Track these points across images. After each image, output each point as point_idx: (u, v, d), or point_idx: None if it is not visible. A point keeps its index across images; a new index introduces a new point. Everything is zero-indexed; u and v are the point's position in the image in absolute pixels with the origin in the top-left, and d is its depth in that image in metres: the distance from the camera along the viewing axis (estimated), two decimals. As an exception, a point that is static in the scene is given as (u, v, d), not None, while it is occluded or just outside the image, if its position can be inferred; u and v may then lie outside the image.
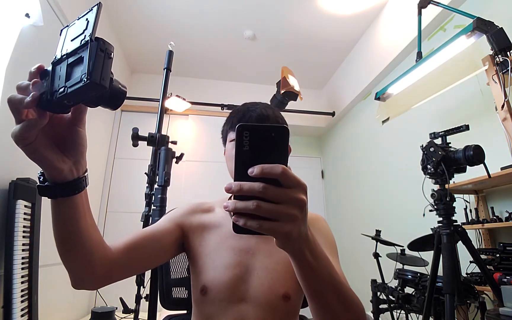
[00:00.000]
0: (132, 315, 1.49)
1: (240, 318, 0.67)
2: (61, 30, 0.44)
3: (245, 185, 0.35)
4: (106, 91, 0.40)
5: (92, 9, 0.41)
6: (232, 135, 0.80)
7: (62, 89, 0.39)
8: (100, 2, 0.41)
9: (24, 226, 1.45)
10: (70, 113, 0.46)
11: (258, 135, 0.36)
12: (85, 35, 0.40)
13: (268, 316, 0.67)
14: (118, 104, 0.47)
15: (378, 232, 1.93)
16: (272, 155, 0.36)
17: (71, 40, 0.41)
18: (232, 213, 0.36)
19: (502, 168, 1.39)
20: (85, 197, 0.51)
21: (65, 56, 0.41)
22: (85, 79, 0.37)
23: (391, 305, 1.67)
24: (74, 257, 0.52)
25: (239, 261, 0.71)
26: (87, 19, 0.41)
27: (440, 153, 1.22)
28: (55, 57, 0.42)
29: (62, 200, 0.47)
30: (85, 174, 0.50)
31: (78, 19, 0.42)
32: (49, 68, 0.42)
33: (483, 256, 1.45)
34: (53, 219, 0.49)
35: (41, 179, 0.47)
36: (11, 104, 0.40)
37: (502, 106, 1.32)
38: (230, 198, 0.84)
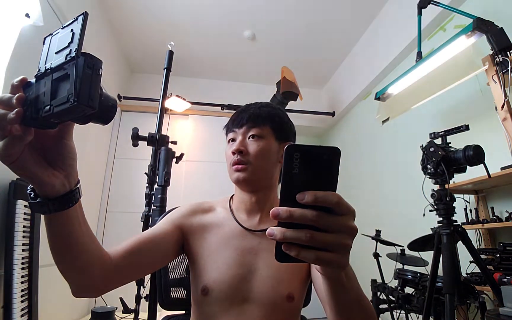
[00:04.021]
0: (132, 315, 1.49)
1: (243, 318, 0.67)
2: (44, 39, 0.41)
3: (296, 212, 0.32)
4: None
5: (77, 19, 0.37)
6: (228, 136, 0.81)
7: (47, 108, 0.36)
8: (86, 12, 0.38)
9: (24, 226, 1.45)
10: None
11: (309, 157, 0.32)
12: (70, 50, 0.37)
13: (271, 316, 0.67)
14: (109, 120, 0.44)
15: (378, 232, 1.93)
16: (323, 179, 0.33)
17: (56, 53, 0.38)
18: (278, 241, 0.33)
19: (502, 168, 1.39)
20: (79, 209, 0.49)
21: (49, 70, 0.38)
22: (72, 100, 0.34)
23: (391, 305, 1.67)
24: (72, 269, 0.51)
25: (241, 261, 0.71)
26: (72, 30, 0.38)
27: (440, 153, 1.21)
28: (39, 69, 0.39)
29: (56, 215, 0.45)
30: (78, 186, 0.48)
31: (62, 28, 0.39)
32: (33, 80, 0.40)
33: (483, 256, 1.45)
34: (48, 233, 0.47)
35: (32, 195, 0.44)
36: None
37: (502, 106, 1.32)
38: (231, 198, 0.84)
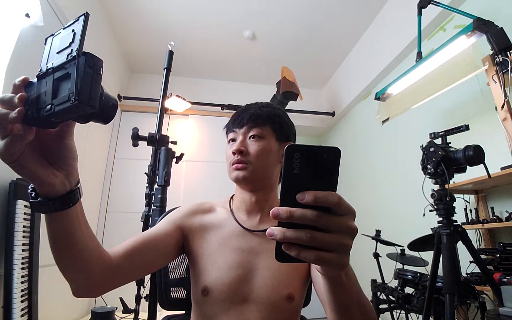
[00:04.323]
0: (132, 315, 1.49)
1: (243, 318, 0.67)
2: (46, 39, 0.42)
3: (296, 212, 0.32)
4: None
5: (78, 19, 0.38)
6: (229, 136, 0.81)
7: (49, 107, 0.37)
8: (87, 12, 0.38)
9: (24, 226, 1.45)
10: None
11: (309, 157, 0.32)
12: (71, 49, 0.37)
13: (271, 317, 0.67)
14: (109, 119, 0.45)
15: (378, 232, 1.93)
16: (323, 179, 0.33)
17: (57, 53, 0.39)
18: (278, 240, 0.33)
19: (502, 168, 1.39)
20: (80, 208, 0.49)
21: (51, 70, 0.38)
22: (73, 99, 0.35)
23: (391, 305, 1.67)
24: (72, 268, 0.52)
25: (242, 262, 0.71)
26: (73, 30, 0.38)
27: (440, 153, 1.21)
28: (40, 69, 0.40)
29: (56, 214, 0.45)
30: (78, 185, 0.48)
31: (64, 29, 0.40)
32: (35, 80, 0.40)
33: (483, 256, 1.45)
34: (48, 232, 0.47)
35: (32, 195, 0.45)
36: None
37: (502, 106, 1.32)
38: (231, 198, 0.84)
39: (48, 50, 0.41)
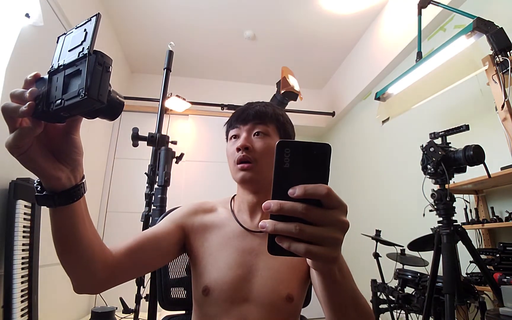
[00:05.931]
0: (132, 315, 1.49)
1: (243, 318, 0.67)
2: (58, 38, 0.44)
3: (286, 205, 0.33)
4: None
5: (90, 20, 0.40)
6: (231, 132, 0.79)
7: (59, 101, 0.38)
8: (99, 13, 0.40)
9: (24, 226, 1.45)
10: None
11: (299, 153, 0.33)
12: (83, 48, 0.39)
13: (271, 316, 0.67)
14: (116, 116, 0.46)
15: (378, 232, 1.93)
16: (313, 173, 0.34)
17: (69, 51, 0.41)
18: (269, 233, 0.34)
19: (502, 168, 1.39)
20: (83, 204, 0.50)
21: (62, 66, 0.40)
22: (83, 94, 0.36)
23: (391, 305, 1.67)
24: (75, 263, 0.52)
25: (242, 262, 0.71)
26: (85, 29, 0.40)
27: (440, 153, 1.21)
28: (52, 66, 0.41)
29: (60, 208, 0.46)
30: (83, 181, 0.49)
31: (76, 28, 0.42)
32: (46, 76, 0.42)
33: (483, 256, 1.45)
34: (52, 227, 0.48)
35: (38, 189, 0.46)
36: (5, 112, 0.39)
37: (502, 106, 1.32)
38: (232, 199, 0.84)
39: (60, 48, 0.42)
